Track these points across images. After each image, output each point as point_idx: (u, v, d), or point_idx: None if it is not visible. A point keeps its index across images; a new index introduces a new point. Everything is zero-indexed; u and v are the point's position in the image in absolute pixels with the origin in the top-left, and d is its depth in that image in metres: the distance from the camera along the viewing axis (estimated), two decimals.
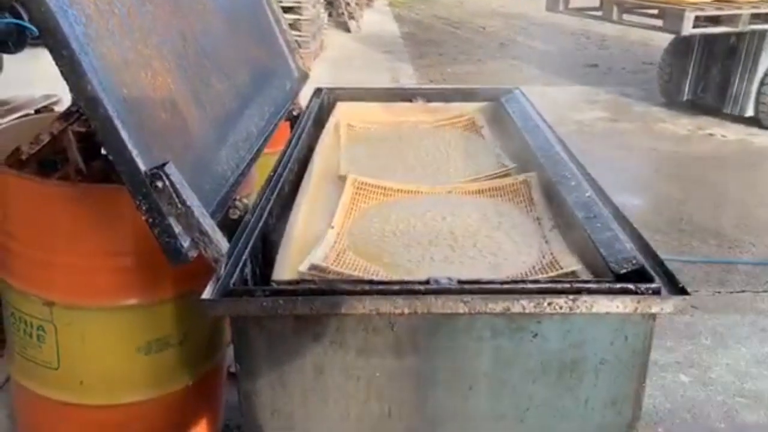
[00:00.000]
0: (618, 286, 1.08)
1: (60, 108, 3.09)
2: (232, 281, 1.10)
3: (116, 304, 1.60)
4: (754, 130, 5.22)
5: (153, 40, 1.27)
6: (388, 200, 1.58)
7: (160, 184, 1.04)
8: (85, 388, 1.65)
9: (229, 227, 1.29)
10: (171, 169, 1.05)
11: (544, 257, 1.27)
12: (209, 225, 1.10)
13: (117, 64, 1.11)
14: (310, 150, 1.80)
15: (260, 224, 1.30)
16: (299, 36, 6.45)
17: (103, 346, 1.63)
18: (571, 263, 1.22)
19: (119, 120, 1.04)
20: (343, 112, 2.16)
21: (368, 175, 1.67)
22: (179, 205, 1.06)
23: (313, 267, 1.20)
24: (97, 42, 1.07)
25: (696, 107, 5.61)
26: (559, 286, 1.09)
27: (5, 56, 2.05)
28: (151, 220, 1.07)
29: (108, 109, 1.03)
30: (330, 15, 8.57)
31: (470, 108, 2.20)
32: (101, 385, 1.66)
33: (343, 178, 1.64)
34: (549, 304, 1.05)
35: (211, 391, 1.90)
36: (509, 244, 1.36)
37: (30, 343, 1.65)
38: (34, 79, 2.90)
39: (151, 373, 1.67)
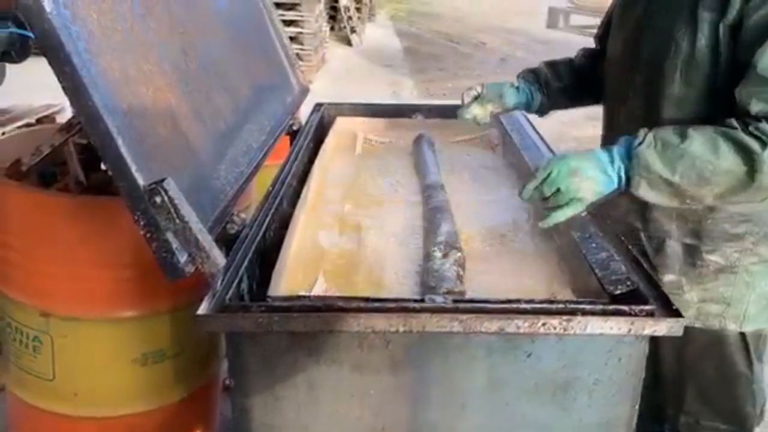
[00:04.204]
0: (612, 307, 1.09)
1: (62, 117, 3.11)
2: (228, 297, 1.10)
3: (113, 316, 1.61)
4: None
5: (154, 56, 1.28)
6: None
7: (158, 199, 1.05)
8: (80, 400, 1.65)
9: (227, 242, 1.30)
10: (170, 184, 1.06)
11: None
12: (207, 240, 1.10)
13: (118, 79, 1.12)
14: (309, 164, 1.81)
15: (257, 239, 1.31)
16: (301, 49, 6.50)
17: (99, 358, 1.63)
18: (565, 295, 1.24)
19: (119, 135, 1.05)
20: (344, 126, 2.18)
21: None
22: (177, 221, 1.06)
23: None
24: (99, 58, 1.08)
25: None
26: (553, 306, 1.09)
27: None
28: (148, 234, 1.07)
29: (108, 125, 1.04)
30: (332, 29, 8.63)
31: (472, 125, 2.21)
32: (96, 396, 1.66)
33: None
34: (543, 324, 1.06)
35: (207, 404, 1.90)
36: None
37: (25, 353, 1.65)
38: (37, 86, 2.92)
39: (147, 385, 1.67)
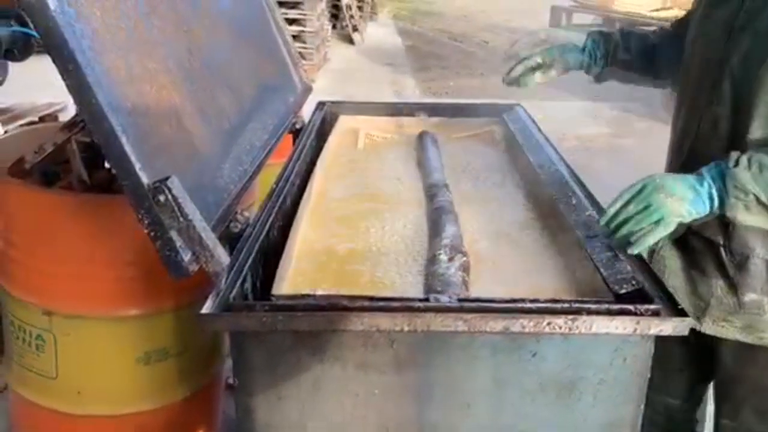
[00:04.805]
0: (617, 306, 1.08)
1: (64, 115, 3.11)
2: (232, 295, 1.10)
3: (116, 314, 1.61)
4: None
5: (158, 54, 1.27)
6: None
7: (162, 197, 1.04)
8: (82, 398, 1.65)
9: (231, 240, 1.29)
10: (174, 182, 1.05)
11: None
12: (210, 239, 1.10)
13: (122, 77, 1.12)
14: (312, 163, 1.81)
15: (261, 238, 1.30)
16: (303, 48, 6.49)
17: (102, 356, 1.63)
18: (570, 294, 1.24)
19: (123, 134, 1.05)
20: (347, 124, 2.18)
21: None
22: (181, 219, 1.06)
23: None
24: (103, 56, 1.08)
25: None
26: (558, 306, 1.09)
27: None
28: (152, 233, 1.07)
29: (112, 123, 1.04)
30: (334, 27, 8.63)
31: (476, 123, 2.21)
32: (99, 395, 1.66)
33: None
34: (548, 324, 1.05)
35: (209, 403, 1.90)
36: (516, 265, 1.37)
37: (28, 351, 1.65)
38: (39, 85, 2.92)
39: (150, 384, 1.67)
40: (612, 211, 1.20)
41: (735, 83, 1.29)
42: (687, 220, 1.19)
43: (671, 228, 1.18)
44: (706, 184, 1.18)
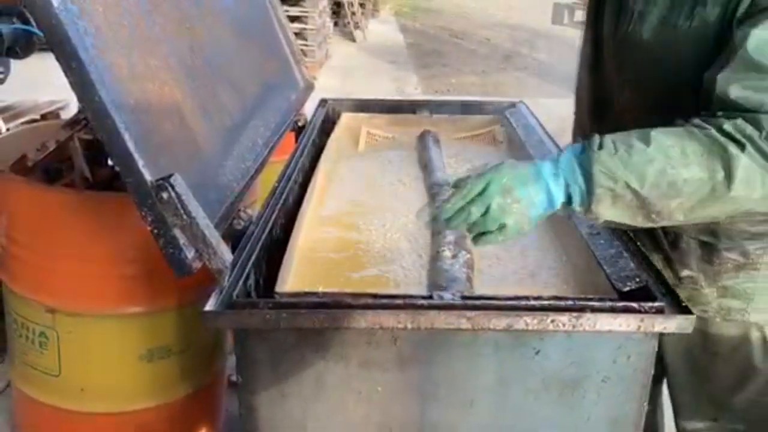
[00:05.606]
0: (621, 304, 1.08)
1: (67, 113, 3.11)
2: (236, 293, 1.10)
3: (119, 312, 1.61)
4: None
5: (161, 51, 1.27)
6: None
7: (165, 195, 1.04)
8: (85, 396, 1.66)
9: (234, 238, 1.29)
10: (177, 180, 1.05)
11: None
12: (214, 236, 1.10)
13: (125, 75, 1.12)
14: (315, 160, 1.81)
15: (264, 235, 1.30)
16: (305, 45, 6.50)
17: (105, 354, 1.63)
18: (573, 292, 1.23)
19: (126, 131, 1.05)
20: (349, 122, 2.18)
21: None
22: (184, 217, 1.06)
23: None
24: (106, 53, 1.07)
25: None
26: (562, 303, 1.09)
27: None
28: (156, 230, 1.07)
29: (115, 120, 1.04)
30: (336, 24, 8.63)
31: (478, 121, 2.21)
32: (102, 392, 1.67)
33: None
34: (552, 321, 1.05)
35: (212, 400, 1.91)
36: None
37: (32, 349, 1.66)
38: (40, 83, 2.92)
39: (153, 381, 1.68)
40: (449, 208, 1.06)
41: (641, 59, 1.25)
42: (529, 226, 1.07)
43: (510, 238, 1.07)
44: (562, 181, 1.05)
